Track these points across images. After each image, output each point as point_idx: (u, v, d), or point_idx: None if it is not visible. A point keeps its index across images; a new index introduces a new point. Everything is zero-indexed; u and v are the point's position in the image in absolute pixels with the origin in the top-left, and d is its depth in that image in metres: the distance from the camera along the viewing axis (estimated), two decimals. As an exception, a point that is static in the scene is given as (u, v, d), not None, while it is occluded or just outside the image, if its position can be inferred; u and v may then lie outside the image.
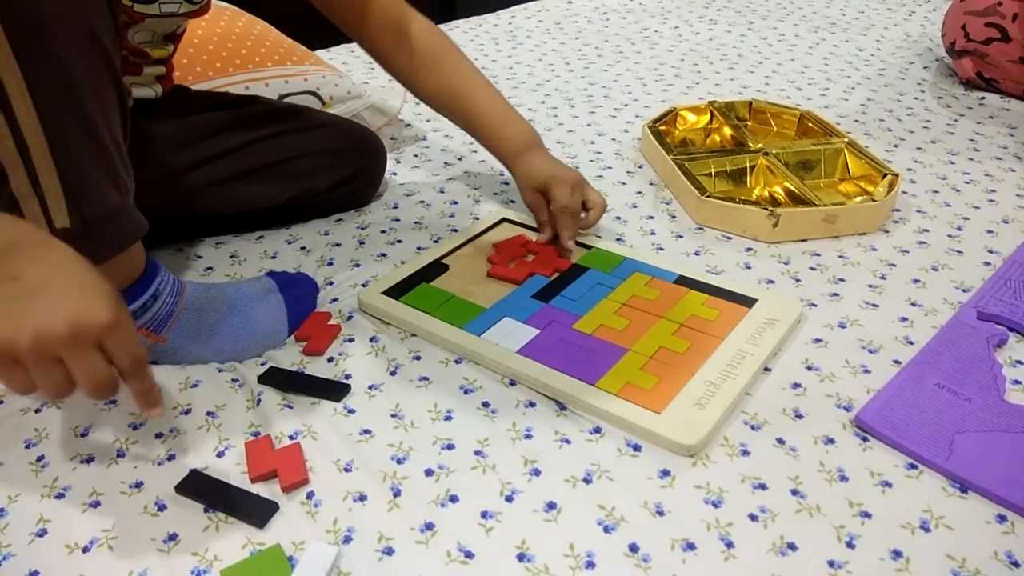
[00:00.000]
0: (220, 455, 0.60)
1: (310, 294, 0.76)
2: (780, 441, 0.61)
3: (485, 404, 0.65)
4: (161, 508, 0.55)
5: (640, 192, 0.99)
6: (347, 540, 0.53)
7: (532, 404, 0.65)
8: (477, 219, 0.92)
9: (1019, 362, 0.69)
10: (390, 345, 0.72)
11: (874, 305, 0.77)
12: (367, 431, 0.62)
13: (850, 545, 0.53)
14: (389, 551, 0.53)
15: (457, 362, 0.70)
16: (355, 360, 0.70)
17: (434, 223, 0.92)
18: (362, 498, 0.56)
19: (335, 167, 0.89)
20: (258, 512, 0.54)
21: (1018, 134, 1.15)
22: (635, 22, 1.71)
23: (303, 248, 0.86)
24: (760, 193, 0.98)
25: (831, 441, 0.61)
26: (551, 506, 0.56)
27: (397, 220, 0.92)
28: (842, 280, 0.81)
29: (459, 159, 1.08)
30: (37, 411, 0.64)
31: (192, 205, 0.82)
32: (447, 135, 1.15)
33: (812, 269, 0.83)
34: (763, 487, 0.57)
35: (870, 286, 0.80)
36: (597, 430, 0.62)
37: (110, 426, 0.62)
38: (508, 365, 0.67)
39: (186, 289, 0.67)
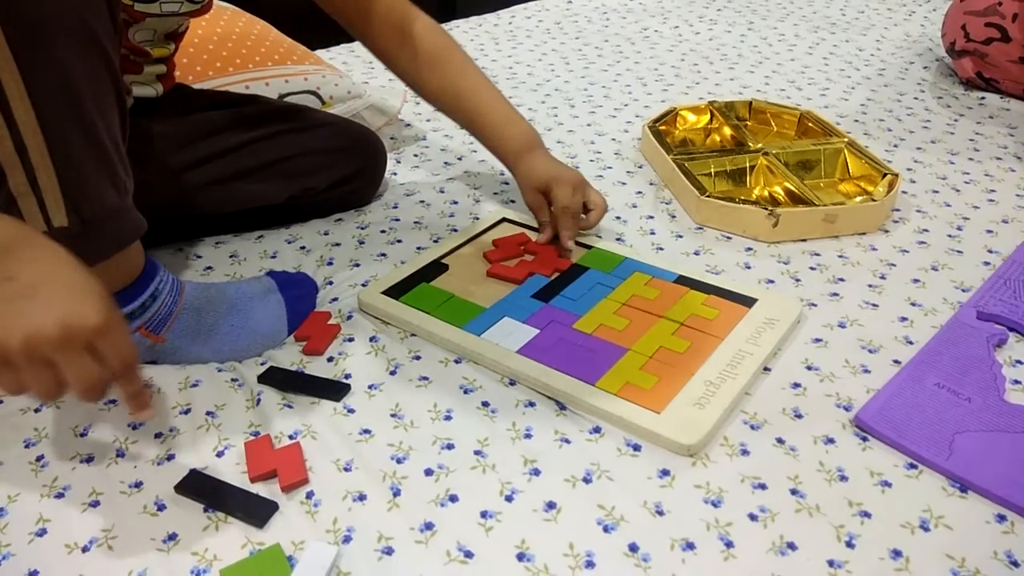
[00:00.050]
0: (220, 455, 0.60)
1: (310, 294, 0.76)
2: (780, 441, 0.61)
3: (485, 404, 0.65)
4: (161, 508, 0.55)
5: (640, 192, 0.99)
6: (347, 540, 0.53)
7: (532, 404, 0.65)
8: (477, 219, 0.92)
9: (1019, 362, 0.69)
10: (390, 345, 0.72)
11: (874, 305, 0.77)
12: (367, 431, 0.62)
13: (850, 545, 0.53)
14: (389, 551, 0.53)
15: (457, 362, 0.70)
16: (355, 360, 0.70)
17: (434, 223, 0.92)
18: (362, 498, 0.56)
19: (335, 166, 0.89)
20: (258, 512, 0.54)
21: (1018, 134, 1.15)
22: (635, 22, 1.71)
23: (303, 248, 0.86)
24: (760, 193, 0.98)
25: (831, 441, 0.61)
26: (551, 506, 0.56)
27: (397, 220, 0.92)
28: (842, 280, 0.81)
29: (459, 159, 1.08)
30: (37, 411, 0.64)
31: (192, 203, 0.82)
32: (447, 135, 1.15)
33: (812, 269, 0.83)
34: (763, 487, 0.57)
35: (870, 286, 0.80)
36: (597, 430, 0.62)
37: (110, 426, 0.62)
38: (508, 365, 0.67)
39: (185, 289, 0.67)
